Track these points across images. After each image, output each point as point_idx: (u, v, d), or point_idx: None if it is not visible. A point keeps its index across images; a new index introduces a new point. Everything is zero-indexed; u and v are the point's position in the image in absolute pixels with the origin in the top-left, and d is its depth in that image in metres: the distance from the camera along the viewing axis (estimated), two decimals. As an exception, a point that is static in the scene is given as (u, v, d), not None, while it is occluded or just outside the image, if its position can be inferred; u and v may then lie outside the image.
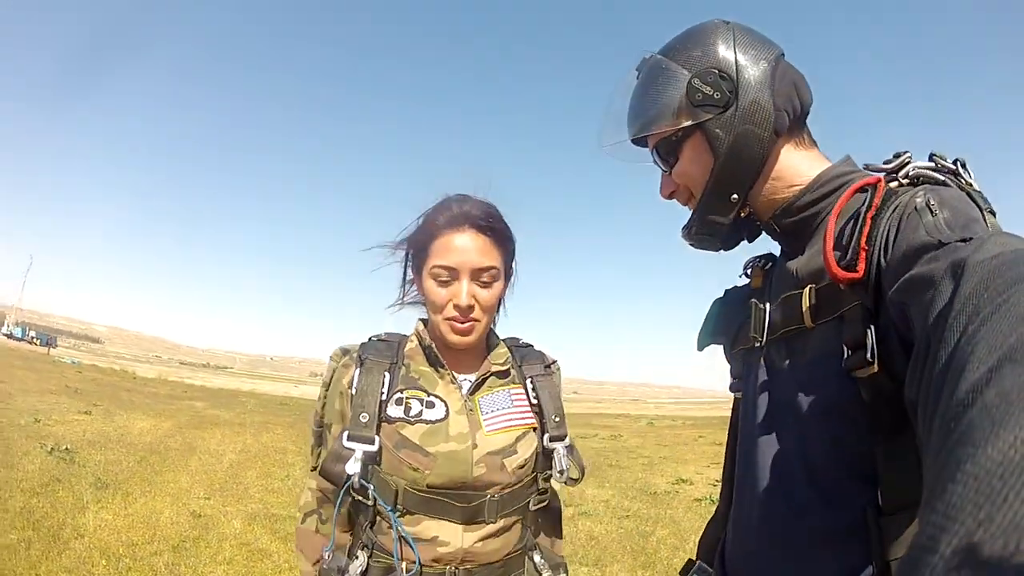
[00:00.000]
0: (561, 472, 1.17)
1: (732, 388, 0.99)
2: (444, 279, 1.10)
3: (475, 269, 1.10)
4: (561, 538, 1.35)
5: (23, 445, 6.61)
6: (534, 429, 1.19)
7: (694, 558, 1.08)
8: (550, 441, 1.19)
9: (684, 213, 0.92)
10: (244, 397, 22.50)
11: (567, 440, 1.21)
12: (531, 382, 1.24)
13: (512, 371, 1.24)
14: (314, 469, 1.22)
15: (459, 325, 1.12)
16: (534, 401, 1.22)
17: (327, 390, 1.19)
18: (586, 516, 6.20)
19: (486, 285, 1.13)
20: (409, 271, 1.23)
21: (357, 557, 1.10)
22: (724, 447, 1.03)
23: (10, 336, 77.12)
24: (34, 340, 70.89)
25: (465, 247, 1.10)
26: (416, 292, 1.23)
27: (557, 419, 1.21)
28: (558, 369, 1.31)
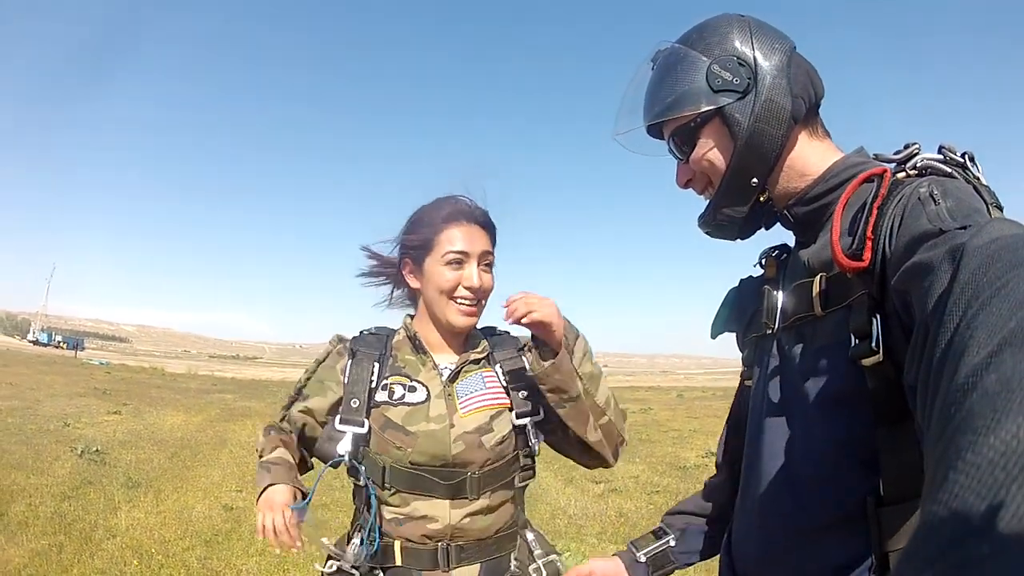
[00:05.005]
0: (528, 446, 1.26)
1: (743, 375, 1.02)
2: (456, 262, 1.24)
3: (482, 252, 1.27)
4: None
5: (53, 450, 6.68)
6: (509, 409, 1.28)
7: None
8: (517, 418, 1.26)
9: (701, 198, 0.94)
10: (275, 387, 22.76)
11: (540, 415, 1.27)
12: (500, 366, 1.33)
13: (486, 359, 1.35)
14: (281, 420, 1.33)
15: (468, 307, 1.26)
16: (505, 383, 1.31)
17: (318, 365, 1.33)
18: (616, 493, 6.13)
19: (487, 270, 1.29)
20: (404, 269, 1.33)
21: (352, 539, 1.21)
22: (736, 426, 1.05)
23: (36, 342, 78.97)
24: (61, 344, 72.42)
25: (473, 236, 1.27)
26: (402, 293, 1.39)
27: (523, 395, 1.28)
28: (531, 349, 1.33)
